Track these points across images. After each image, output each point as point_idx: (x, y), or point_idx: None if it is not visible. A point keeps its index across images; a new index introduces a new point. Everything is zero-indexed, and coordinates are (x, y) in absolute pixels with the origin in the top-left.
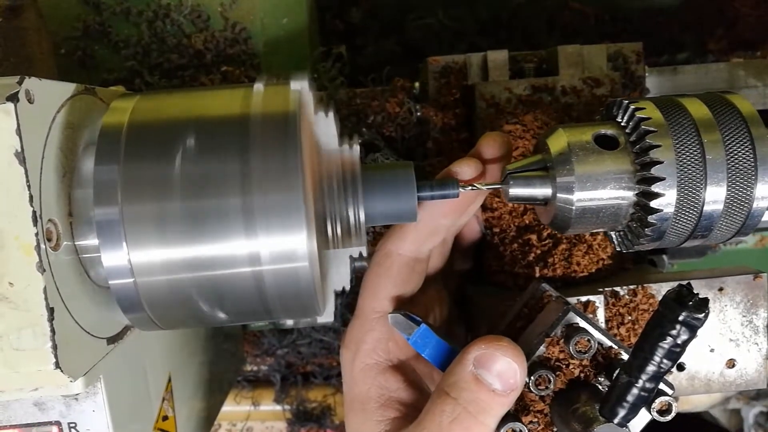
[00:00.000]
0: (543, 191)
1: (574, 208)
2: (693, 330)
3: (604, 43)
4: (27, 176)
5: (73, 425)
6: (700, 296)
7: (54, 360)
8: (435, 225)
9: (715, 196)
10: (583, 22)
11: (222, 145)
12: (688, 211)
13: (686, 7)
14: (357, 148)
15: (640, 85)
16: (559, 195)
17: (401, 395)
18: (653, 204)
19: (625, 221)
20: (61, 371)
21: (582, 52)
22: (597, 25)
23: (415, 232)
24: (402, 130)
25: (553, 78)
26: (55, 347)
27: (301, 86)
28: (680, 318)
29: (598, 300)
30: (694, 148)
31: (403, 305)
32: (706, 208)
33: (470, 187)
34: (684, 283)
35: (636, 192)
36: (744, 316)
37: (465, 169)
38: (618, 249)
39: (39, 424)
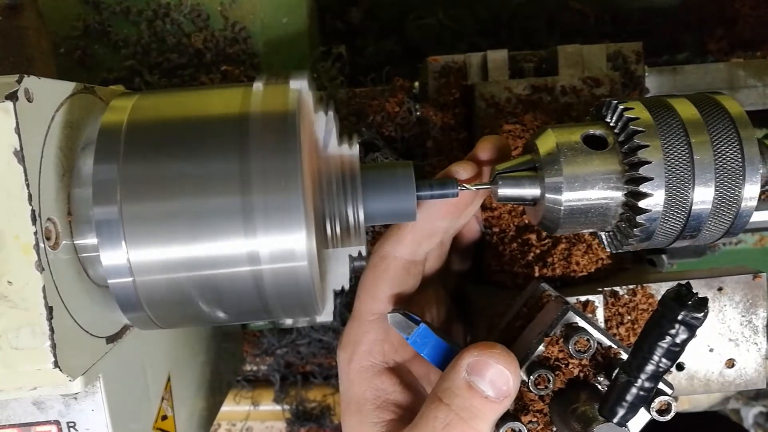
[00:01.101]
0: (532, 191)
1: (562, 208)
2: (692, 329)
3: (604, 43)
4: (26, 175)
5: (72, 424)
6: (700, 296)
7: (53, 359)
8: (432, 227)
9: (703, 197)
10: (583, 22)
11: (221, 145)
12: (676, 212)
13: (686, 7)
14: (357, 147)
15: (640, 85)
16: (547, 195)
17: (397, 397)
18: (642, 204)
19: (614, 221)
20: (60, 370)
21: (582, 52)
22: (597, 25)
23: (412, 235)
24: (401, 129)
25: (552, 78)
26: (54, 346)
27: (300, 86)
28: (679, 317)
29: (598, 300)
30: (683, 149)
31: (400, 307)
32: (695, 208)
33: (460, 188)
34: (683, 282)
35: (624, 192)
36: (743, 316)
37: (460, 171)
38: (607, 249)
39: (38, 423)
